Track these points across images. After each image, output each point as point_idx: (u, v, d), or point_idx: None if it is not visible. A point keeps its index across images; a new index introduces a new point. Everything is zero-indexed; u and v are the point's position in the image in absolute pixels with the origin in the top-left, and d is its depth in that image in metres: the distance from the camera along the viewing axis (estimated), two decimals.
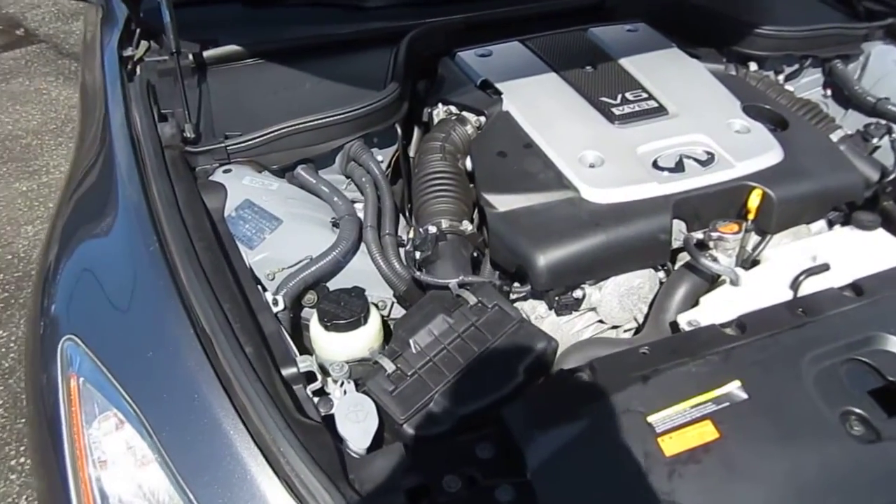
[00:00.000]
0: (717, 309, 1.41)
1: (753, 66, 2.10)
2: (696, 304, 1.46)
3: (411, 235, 1.54)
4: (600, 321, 1.60)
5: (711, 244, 1.54)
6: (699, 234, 1.54)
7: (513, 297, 1.56)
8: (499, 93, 1.81)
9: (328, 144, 1.72)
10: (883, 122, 1.88)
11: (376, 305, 1.59)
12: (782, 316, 1.35)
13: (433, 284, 1.46)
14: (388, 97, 1.75)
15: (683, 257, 1.58)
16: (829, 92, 2.13)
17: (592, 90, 1.82)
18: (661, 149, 1.64)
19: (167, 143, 1.65)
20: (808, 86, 2.18)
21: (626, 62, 1.93)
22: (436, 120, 1.84)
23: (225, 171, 1.65)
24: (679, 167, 1.60)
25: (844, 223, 1.64)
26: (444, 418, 1.26)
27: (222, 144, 1.67)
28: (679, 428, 1.17)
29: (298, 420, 1.16)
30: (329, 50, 2.05)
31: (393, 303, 1.59)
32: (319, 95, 1.85)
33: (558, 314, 1.56)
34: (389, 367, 1.30)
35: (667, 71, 1.90)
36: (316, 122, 1.69)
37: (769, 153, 1.65)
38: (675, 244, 1.57)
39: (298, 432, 1.12)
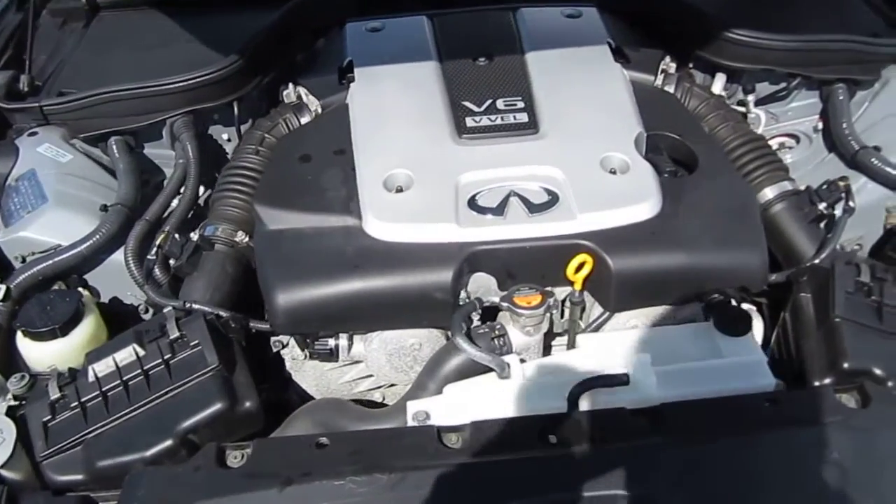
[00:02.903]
0: (457, 405, 1.11)
1: (720, 79, 1.64)
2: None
3: (158, 241, 1.34)
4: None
5: (509, 315, 1.21)
6: (495, 299, 1.22)
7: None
8: (352, 80, 1.52)
9: (148, 117, 1.54)
10: (842, 183, 1.37)
11: (136, 308, 1.44)
12: (522, 436, 1.03)
13: (152, 303, 1.27)
14: (218, 71, 1.52)
15: None
16: (820, 125, 1.62)
17: (464, 90, 1.48)
18: (490, 181, 1.30)
19: None
20: (800, 112, 1.67)
21: (532, 57, 1.55)
22: (285, 102, 1.59)
23: (30, 134, 1.53)
24: (500, 209, 1.26)
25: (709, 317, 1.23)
26: (82, 467, 1.10)
27: (36, 104, 1.54)
28: None
29: None
30: (230, 7, 1.83)
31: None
32: (192, 57, 1.65)
33: (321, 360, 1.31)
34: (54, 392, 1.14)
35: (573, 75, 1.51)
36: (131, 92, 1.51)
37: (638, 205, 1.26)
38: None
39: None
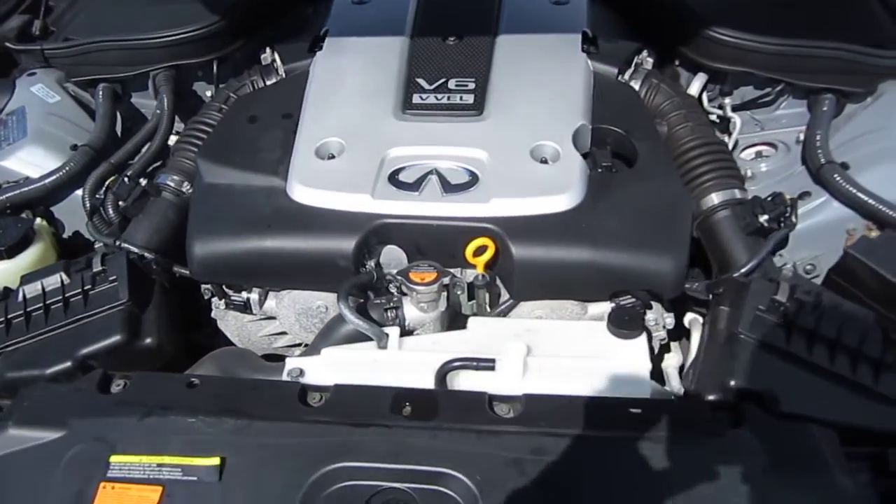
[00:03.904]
0: (333, 367, 1.14)
1: (700, 79, 1.57)
2: None
3: (107, 183, 1.43)
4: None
5: (405, 289, 1.23)
6: (393, 272, 1.24)
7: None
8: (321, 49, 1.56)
9: (133, 68, 1.64)
10: (789, 196, 1.30)
11: (93, 242, 1.54)
12: (379, 404, 1.05)
13: (93, 237, 1.37)
14: (197, 31, 1.60)
15: None
16: (801, 136, 1.52)
17: (423, 67, 1.49)
18: (417, 157, 1.31)
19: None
20: (790, 121, 1.57)
21: (502, 41, 1.55)
22: (262, 64, 1.65)
23: (29, 74, 1.66)
24: (416, 185, 1.27)
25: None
26: None
27: (38, 47, 1.67)
28: (129, 482, 0.99)
29: None
30: None
31: None
32: (202, 14, 1.71)
33: (239, 312, 1.38)
34: None
35: (535, 62, 1.49)
36: (120, 43, 1.62)
37: (555, 196, 1.25)
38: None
39: None
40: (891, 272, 1.21)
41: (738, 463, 0.98)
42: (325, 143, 1.35)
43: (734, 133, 1.54)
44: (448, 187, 1.26)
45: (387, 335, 1.15)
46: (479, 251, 1.20)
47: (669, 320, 1.35)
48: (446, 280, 1.20)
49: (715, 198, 1.34)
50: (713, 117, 1.60)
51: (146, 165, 1.53)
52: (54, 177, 1.47)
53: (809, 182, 1.43)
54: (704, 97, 1.59)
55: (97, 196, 1.42)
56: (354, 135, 1.36)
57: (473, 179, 1.27)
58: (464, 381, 1.11)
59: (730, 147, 1.55)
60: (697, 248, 1.37)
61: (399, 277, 1.21)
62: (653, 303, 1.30)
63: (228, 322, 1.40)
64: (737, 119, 1.53)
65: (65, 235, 1.53)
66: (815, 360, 1.10)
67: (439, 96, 1.42)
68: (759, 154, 1.57)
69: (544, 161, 1.31)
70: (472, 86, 1.44)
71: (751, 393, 1.08)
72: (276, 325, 1.39)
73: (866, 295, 1.25)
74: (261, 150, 1.37)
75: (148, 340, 1.22)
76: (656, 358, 1.41)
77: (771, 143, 1.56)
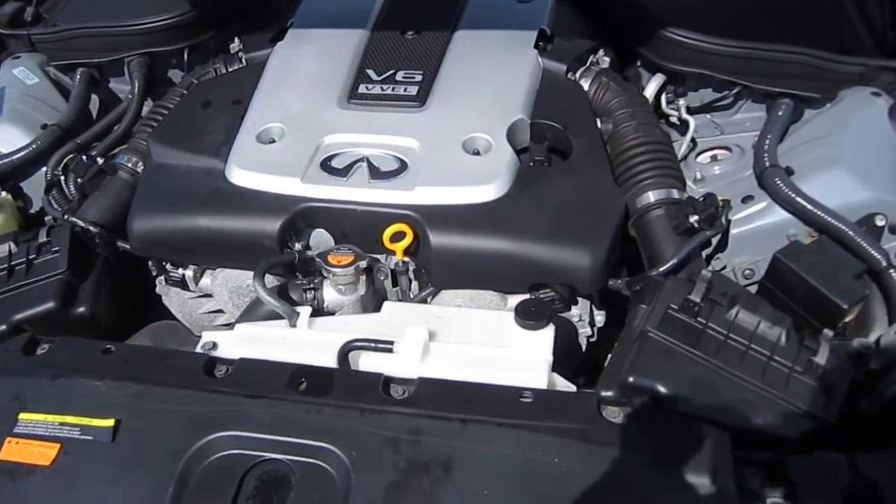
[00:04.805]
0: (245, 342, 1.17)
1: (657, 80, 1.56)
2: None
3: (66, 160, 1.50)
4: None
5: (323, 271, 1.25)
6: (313, 254, 1.27)
7: None
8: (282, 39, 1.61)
9: (109, 54, 1.71)
10: (721, 198, 1.28)
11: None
12: (277, 378, 1.08)
13: (47, 211, 1.44)
14: (168, 20, 1.66)
15: None
16: (756, 140, 1.48)
17: (376, 59, 1.52)
18: (351, 144, 1.34)
19: None
20: (753, 125, 1.53)
21: (459, 36, 1.56)
22: (231, 52, 1.70)
23: (14, 58, 1.75)
24: (345, 171, 1.30)
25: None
26: None
27: (24, 32, 1.76)
28: (31, 438, 1.04)
29: None
30: None
31: None
32: (164, 4, 1.78)
33: (178, 288, 1.42)
34: None
35: (485, 57, 1.50)
36: (97, 30, 1.70)
37: (479, 187, 1.26)
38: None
39: None
40: (815, 277, 1.19)
41: (619, 456, 0.97)
42: (268, 129, 1.39)
43: (688, 135, 1.52)
44: (376, 174, 1.29)
45: (298, 314, 1.18)
46: (397, 237, 1.22)
47: (599, 318, 1.34)
48: (363, 264, 1.22)
49: (651, 196, 1.33)
50: (672, 119, 1.59)
51: (111, 146, 1.59)
52: (22, 153, 1.54)
53: (755, 186, 1.40)
54: (663, 98, 1.58)
55: (55, 172, 1.49)
56: (296, 121, 1.39)
57: (402, 167, 1.30)
58: (368, 363, 1.13)
59: (686, 149, 1.53)
60: (635, 246, 1.36)
61: (318, 259, 1.23)
62: (580, 299, 1.31)
63: (172, 298, 1.45)
64: (691, 121, 1.51)
65: (32, 210, 1.61)
66: (721, 362, 1.08)
67: (385, 87, 1.44)
68: (714, 158, 1.54)
69: (476, 153, 1.32)
70: (418, 78, 1.46)
71: (645, 390, 1.07)
72: (214, 302, 1.43)
73: (793, 299, 1.22)
74: (208, 133, 1.42)
75: (81, 309, 1.28)
76: (593, 354, 1.41)
77: (728, 147, 1.53)
